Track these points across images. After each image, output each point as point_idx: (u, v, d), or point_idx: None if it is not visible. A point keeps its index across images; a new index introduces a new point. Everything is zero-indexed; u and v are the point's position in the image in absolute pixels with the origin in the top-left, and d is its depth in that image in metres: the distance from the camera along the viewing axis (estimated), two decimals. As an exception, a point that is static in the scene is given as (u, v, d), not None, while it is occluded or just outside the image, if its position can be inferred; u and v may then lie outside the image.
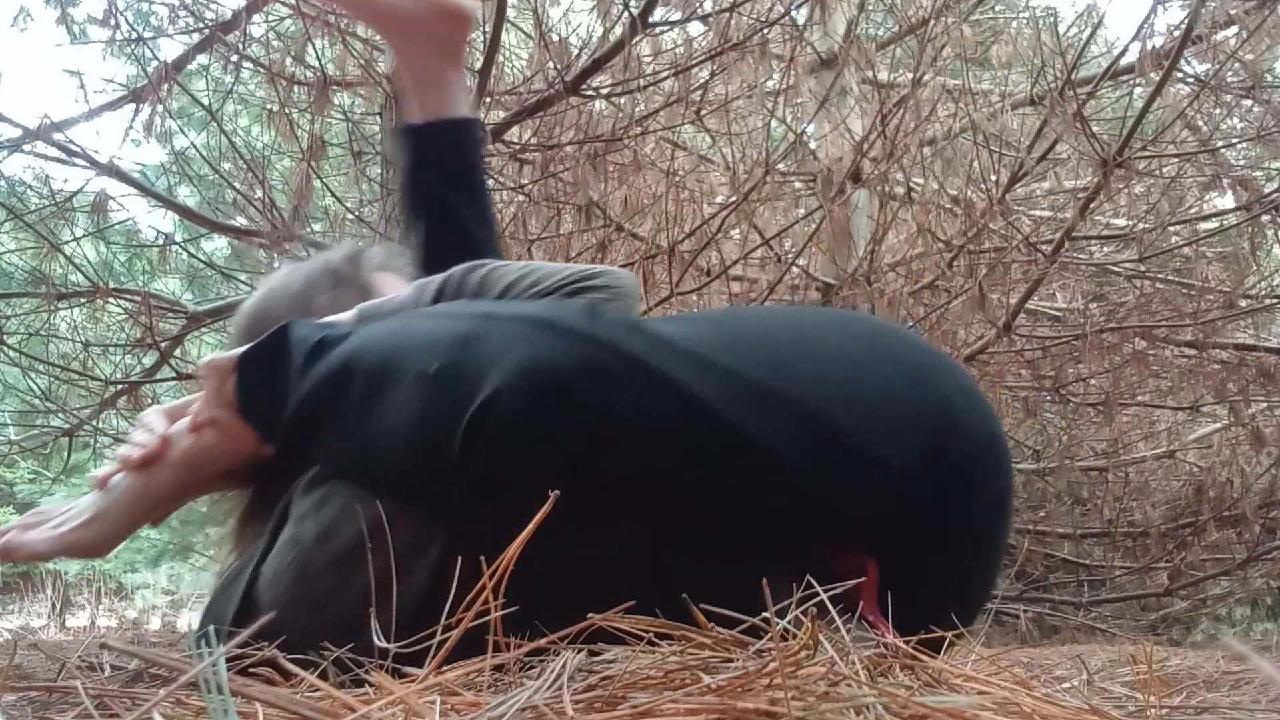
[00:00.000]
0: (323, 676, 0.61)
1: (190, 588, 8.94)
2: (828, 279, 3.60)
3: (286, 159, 3.67)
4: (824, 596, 0.54)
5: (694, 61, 3.05)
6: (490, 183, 3.44)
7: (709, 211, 3.35)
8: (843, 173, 3.28)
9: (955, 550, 0.77)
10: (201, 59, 3.25)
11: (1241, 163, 4.32)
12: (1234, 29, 2.96)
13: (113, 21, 2.84)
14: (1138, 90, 3.58)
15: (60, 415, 3.41)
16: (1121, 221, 4.19)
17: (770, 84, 3.62)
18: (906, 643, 0.58)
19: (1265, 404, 3.96)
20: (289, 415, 0.77)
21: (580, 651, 0.54)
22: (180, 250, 3.36)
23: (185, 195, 4.13)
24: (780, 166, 3.57)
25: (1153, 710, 0.67)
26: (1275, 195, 3.12)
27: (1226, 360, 3.82)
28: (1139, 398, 4.28)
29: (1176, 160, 3.61)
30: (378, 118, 3.06)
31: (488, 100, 2.65)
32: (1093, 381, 4.01)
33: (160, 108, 2.84)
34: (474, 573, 0.57)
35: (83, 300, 3.18)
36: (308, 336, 0.80)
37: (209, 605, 0.84)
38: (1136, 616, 4.22)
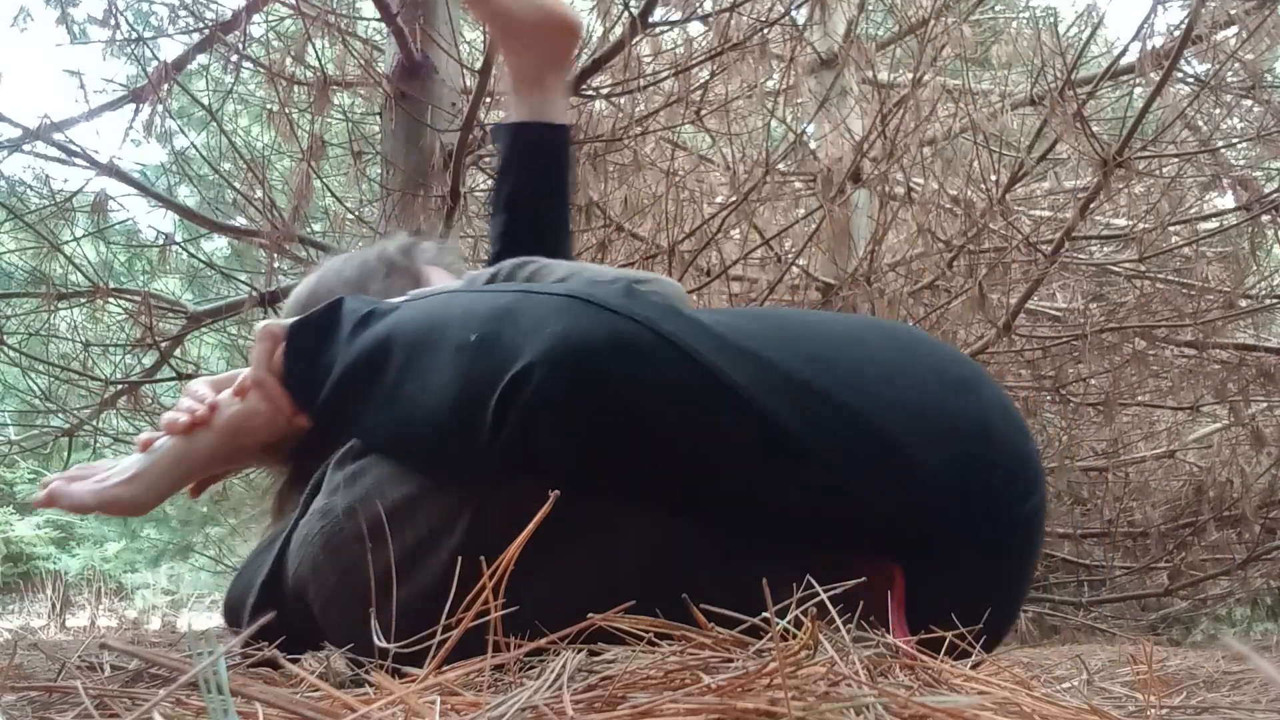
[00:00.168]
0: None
1: (190, 588, 8.95)
2: (828, 279, 3.60)
3: (286, 159, 3.68)
4: (824, 596, 0.54)
5: (694, 61, 3.04)
6: (490, 182, 3.46)
7: (709, 211, 3.35)
8: (843, 173, 3.27)
9: (983, 567, 0.74)
10: (201, 59, 3.26)
11: (1241, 163, 4.32)
12: (1234, 29, 2.95)
13: (113, 21, 2.84)
14: (1138, 90, 3.59)
15: (60, 415, 3.41)
16: (1121, 221, 4.19)
17: (770, 84, 3.62)
18: (932, 657, 0.57)
19: (1265, 404, 3.96)
20: (331, 384, 0.78)
21: (580, 651, 0.54)
22: (180, 250, 3.35)
23: (185, 195, 4.13)
24: (780, 166, 3.57)
25: (1153, 710, 0.67)
26: (1275, 195, 3.12)
27: (1226, 360, 3.82)
28: (1139, 398, 4.28)
29: (1176, 160, 3.61)
30: (378, 118, 3.06)
31: (488, 100, 2.65)
32: (1093, 381, 4.00)
33: (160, 108, 2.84)
34: (503, 543, 0.57)
35: (83, 300, 3.18)
36: (358, 309, 0.81)
37: (241, 569, 0.88)
38: (1136, 616, 4.22)
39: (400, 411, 0.74)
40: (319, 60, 2.82)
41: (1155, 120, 3.25)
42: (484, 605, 0.55)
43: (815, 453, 0.68)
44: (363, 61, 2.93)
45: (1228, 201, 3.75)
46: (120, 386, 3.28)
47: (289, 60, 3.09)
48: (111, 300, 3.14)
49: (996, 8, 5.02)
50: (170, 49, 4.00)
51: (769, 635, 0.50)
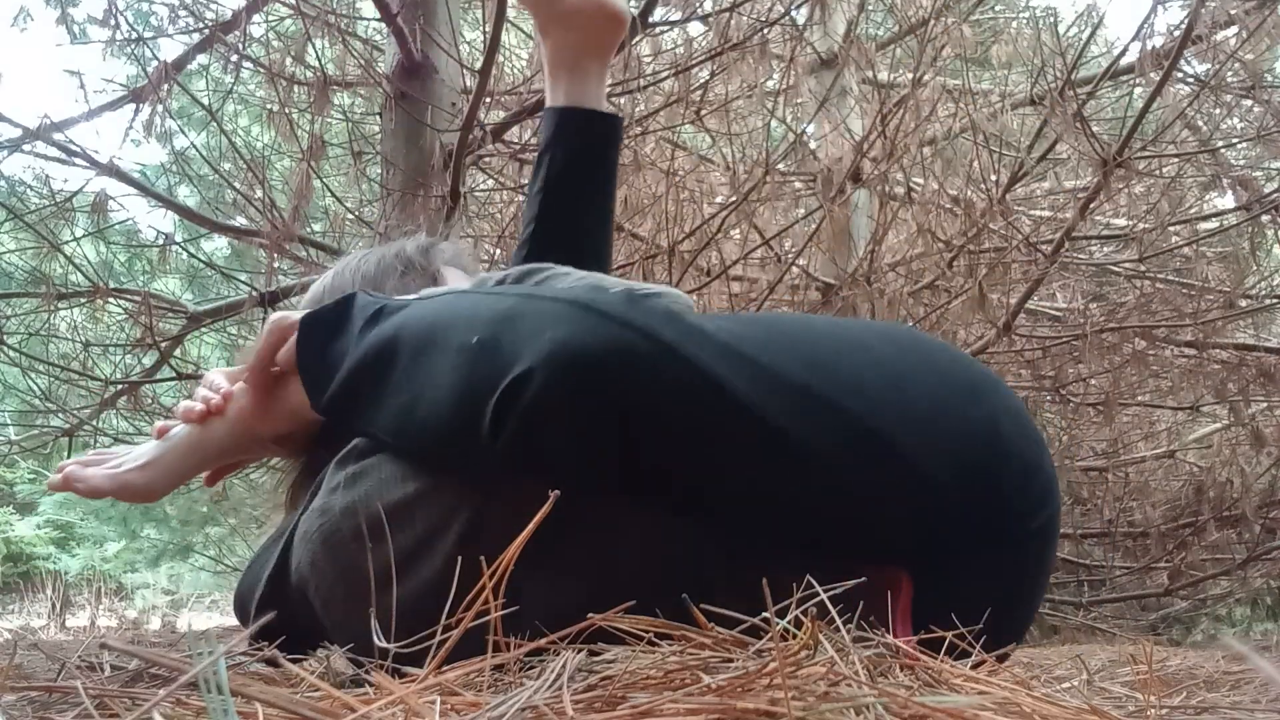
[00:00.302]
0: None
1: (190, 588, 8.95)
2: (828, 279, 3.61)
3: (286, 159, 3.68)
4: (824, 597, 0.54)
5: (694, 61, 3.04)
6: (490, 182, 3.46)
7: (709, 211, 3.35)
8: (843, 173, 3.27)
9: (991, 575, 0.73)
10: (201, 59, 3.26)
11: (1241, 163, 4.32)
12: (1234, 29, 2.95)
13: (113, 21, 2.84)
14: (1138, 90, 3.58)
15: (60, 415, 3.41)
16: (1121, 221, 4.19)
17: (770, 84, 3.62)
18: (933, 657, 0.57)
19: (1265, 404, 3.96)
20: (341, 378, 0.79)
21: (580, 651, 0.54)
22: (180, 250, 3.36)
23: (185, 195, 4.13)
24: (780, 166, 3.57)
25: (1153, 710, 0.67)
26: (1275, 195, 3.12)
27: (1226, 360, 3.82)
28: (1139, 398, 4.28)
29: (1176, 160, 3.61)
30: (378, 118, 3.06)
31: (488, 100, 2.65)
32: (1093, 381, 4.00)
33: (160, 108, 2.84)
34: (502, 543, 0.58)
35: (83, 300, 3.18)
36: (369, 304, 0.82)
37: (251, 561, 0.89)
38: (1136, 616, 4.23)
39: (405, 408, 0.75)
40: (319, 60, 2.82)
41: (1155, 120, 3.25)
42: (484, 605, 0.55)
43: (816, 454, 0.68)
44: (363, 61, 2.93)
45: (1228, 201, 3.75)
46: (120, 386, 3.28)
47: (289, 60, 3.09)
48: (111, 300, 3.15)
49: (996, 8, 5.02)
50: (170, 49, 4.00)
51: (769, 635, 0.50)
